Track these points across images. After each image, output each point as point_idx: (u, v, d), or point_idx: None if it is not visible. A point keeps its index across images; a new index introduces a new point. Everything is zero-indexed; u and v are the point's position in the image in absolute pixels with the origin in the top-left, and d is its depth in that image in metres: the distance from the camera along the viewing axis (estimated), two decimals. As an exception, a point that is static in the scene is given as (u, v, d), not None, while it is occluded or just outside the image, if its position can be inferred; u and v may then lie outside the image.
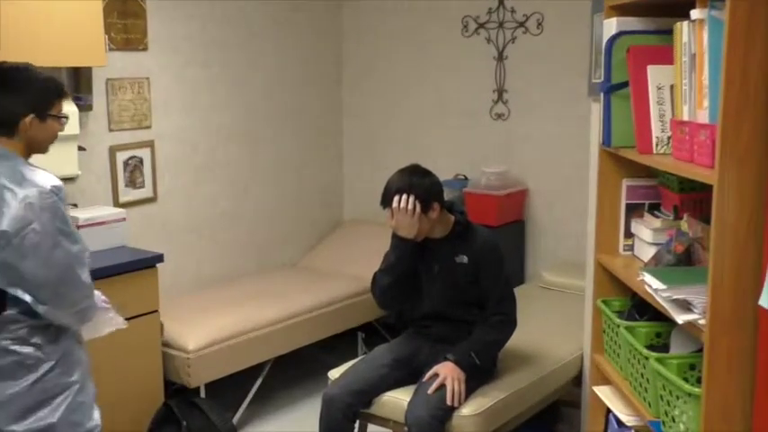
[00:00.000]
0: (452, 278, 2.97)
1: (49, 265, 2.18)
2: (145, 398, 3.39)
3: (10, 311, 2.22)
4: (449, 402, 2.78)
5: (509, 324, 3.01)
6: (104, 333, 2.54)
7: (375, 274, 3.07)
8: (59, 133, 3.22)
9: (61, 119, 2.35)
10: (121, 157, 3.87)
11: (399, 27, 4.83)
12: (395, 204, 2.88)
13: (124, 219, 3.51)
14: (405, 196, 2.87)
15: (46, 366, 2.27)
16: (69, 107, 3.40)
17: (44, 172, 2.25)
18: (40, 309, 2.21)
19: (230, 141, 4.43)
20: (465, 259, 2.95)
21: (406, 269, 2.97)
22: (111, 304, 2.52)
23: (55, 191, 2.20)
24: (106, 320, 2.51)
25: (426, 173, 2.97)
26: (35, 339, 2.25)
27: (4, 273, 2.18)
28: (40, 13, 3.18)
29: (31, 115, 2.24)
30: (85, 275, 2.29)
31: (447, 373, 2.84)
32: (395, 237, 2.95)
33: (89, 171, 3.69)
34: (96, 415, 2.44)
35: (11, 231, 2.13)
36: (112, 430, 3.25)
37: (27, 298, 2.20)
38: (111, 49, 3.73)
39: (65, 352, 2.33)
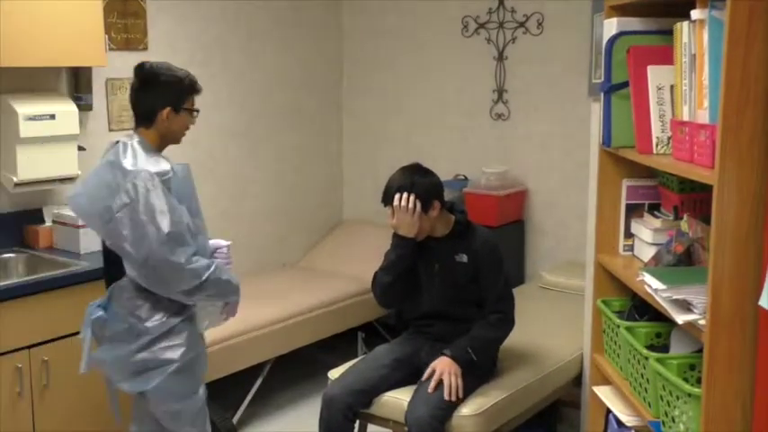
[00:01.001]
0: (452, 277, 2.97)
1: (140, 244, 2.39)
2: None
3: (125, 280, 2.50)
4: (446, 397, 2.79)
5: (507, 323, 3.02)
6: (216, 324, 2.76)
7: (376, 272, 3.08)
8: (61, 133, 3.32)
9: (193, 112, 2.59)
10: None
11: (399, 27, 4.83)
12: (395, 203, 2.88)
13: (124, 219, 3.51)
14: (405, 195, 2.87)
15: (147, 338, 2.50)
16: (68, 107, 3.42)
17: (160, 159, 2.49)
18: (141, 282, 2.46)
19: (230, 141, 4.43)
20: (465, 258, 2.96)
21: (407, 268, 2.97)
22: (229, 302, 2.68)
23: (160, 175, 2.42)
24: (214, 313, 2.68)
25: (427, 172, 2.98)
26: (140, 312, 2.50)
27: (114, 245, 2.46)
28: (40, 12, 3.18)
29: (168, 108, 2.51)
30: (181, 258, 2.41)
31: (443, 368, 2.84)
32: (395, 235, 2.96)
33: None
34: (201, 391, 2.68)
35: (114, 207, 2.40)
36: (111, 430, 3.26)
37: (130, 271, 2.45)
38: (111, 49, 3.74)
39: (172, 329, 2.53)
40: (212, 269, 2.48)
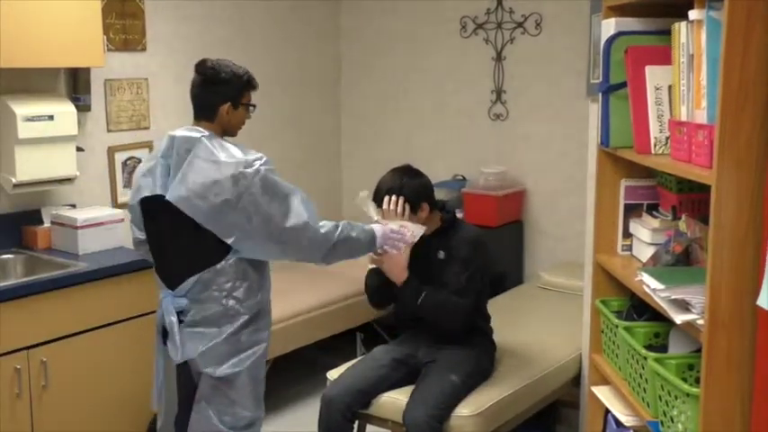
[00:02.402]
0: (428, 274, 2.95)
1: (268, 224, 2.49)
2: (144, 398, 3.38)
3: (223, 263, 2.52)
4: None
5: (456, 312, 2.91)
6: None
7: (366, 275, 3.08)
8: (59, 134, 3.33)
9: (250, 107, 2.69)
10: (120, 157, 3.87)
11: (397, 27, 4.83)
12: (384, 206, 2.88)
13: (122, 219, 3.50)
14: (394, 198, 2.87)
15: (242, 320, 2.55)
16: (67, 107, 3.42)
17: (245, 148, 2.58)
18: (275, 257, 2.60)
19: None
20: (442, 255, 2.96)
21: None
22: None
23: (258, 160, 2.52)
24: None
25: (417, 173, 2.98)
26: (237, 294, 2.54)
27: (218, 223, 2.49)
28: (38, 13, 3.18)
29: (228, 104, 2.60)
30: (308, 230, 2.54)
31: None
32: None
33: (87, 172, 3.68)
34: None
35: (232, 200, 2.46)
36: (111, 430, 3.26)
37: (236, 245, 2.50)
38: (109, 50, 3.74)
39: (260, 310, 2.60)
40: (339, 230, 2.61)
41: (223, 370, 2.54)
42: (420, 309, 2.91)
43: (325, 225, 2.60)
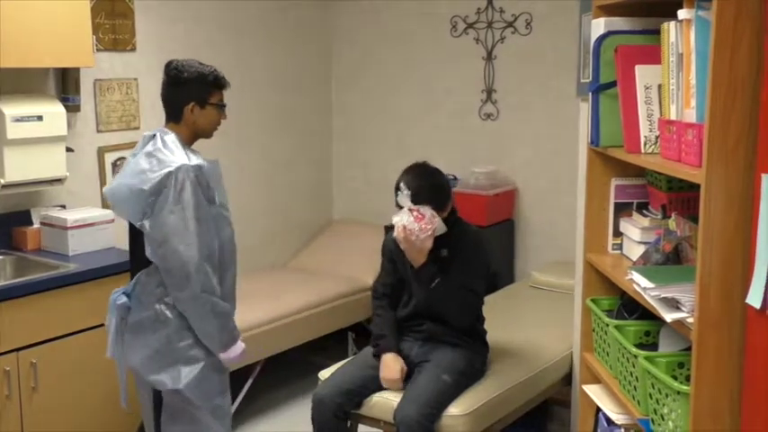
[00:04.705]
0: (432, 272, 2.94)
1: (157, 226, 2.44)
2: (134, 399, 3.37)
3: (153, 266, 2.50)
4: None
5: (471, 303, 2.97)
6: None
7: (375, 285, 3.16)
8: (48, 135, 3.30)
9: (221, 107, 2.63)
10: (110, 158, 3.86)
11: (388, 27, 4.83)
12: (408, 235, 2.83)
13: (113, 220, 3.49)
14: (422, 225, 2.82)
15: (172, 326, 2.51)
16: (56, 108, 3.40)
17: (192, 153, 2.55)
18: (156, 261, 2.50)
19: (219, 141, 4.37)
20: (445, 252, 2.95)
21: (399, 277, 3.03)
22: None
23: (194, 169, 2.47)
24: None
25: (439, 174, 3.02)
26: (169, 299, 2.50)
27: (142, 226, 2.48)
28: (27, 13, 3.16)
29: (192, 103, 2.57)
30: (187, 253, 2.44)
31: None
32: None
33: (77, 172, 3.67)
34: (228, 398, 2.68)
35: (146, 191, 2.44)
36: (103, 430, 3.25)
37: (149, 251, 2.47)
38: (98, 50, 3.72)
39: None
40: (213, 294, 2.51)
41: (161, 378, 2.51)
42: (431, 294, 2.91)
43: (209, 274, 2.50)
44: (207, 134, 2.66)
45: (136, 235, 2.57)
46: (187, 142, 2.60)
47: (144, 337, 2.54)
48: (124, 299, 2.58)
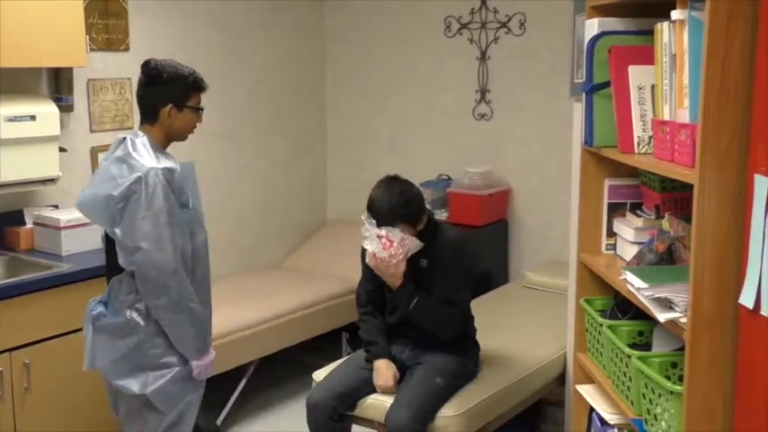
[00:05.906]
0: (412, 282, 2.91)
1: (132, 236, 2.40)
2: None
3: (125, 273, 2.46)
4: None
5: (452, 323, 2.94)
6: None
7: (358, 285, 3.12)
8: (41, 134, 3.28)
9: (198, 110, 2.58)
10: (103, 158, 3.84)
11: (382, 27, 4.83)
12: (380, 258, 2.81)
13: (106, 220, 3.48)
14: (393, 251, 2.79)
15: (142, 334, 2.47)
16: (49, 108, 3.39)
17: (165, 156, 2.51)
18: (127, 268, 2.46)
19: (213, 142, 4.41)
20: (425, 263, 2.92)
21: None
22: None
23: (165, 172, 2.42)
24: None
25: (410, 187, 2.90)
26: (140, 306, 2.47)
27: (113, 233, 2.44)
28: (20, 13, 3.15)
29: (170, 105, 2.50)
30: (162, 259, 2.40)
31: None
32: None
33: (70, 172, 3.65)
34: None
35: (116, 196, 2.40)
36: (97, 431, 3.24)
37: (121, 259, 2.44)
38: (92, 50, 3.71)
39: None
40: (192, 300, 2.47)
41: (128, 383, 2.49)
42: (411, 313, 2.91)
43: (184, 283, 2.46)
44: (181, 137, 2.60)
45: (111, 241, 2.53)
46: (160, 144, 2.54)
47: (112, 341, 2.51)
48: (100, 308, 2.55)
